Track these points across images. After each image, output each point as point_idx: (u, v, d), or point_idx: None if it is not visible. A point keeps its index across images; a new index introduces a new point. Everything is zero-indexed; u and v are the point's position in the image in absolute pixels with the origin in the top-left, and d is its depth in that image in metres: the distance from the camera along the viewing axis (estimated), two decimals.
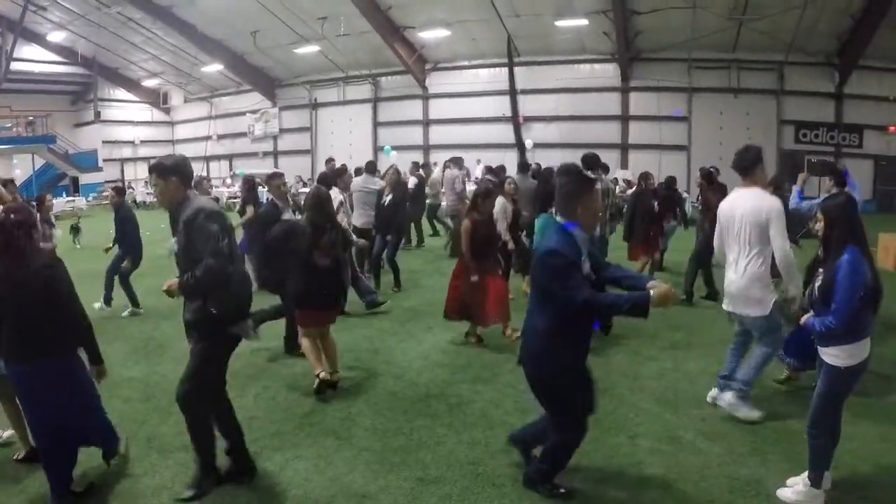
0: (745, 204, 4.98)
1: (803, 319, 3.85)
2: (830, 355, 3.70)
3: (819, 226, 3.79)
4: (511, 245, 8.56)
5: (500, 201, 8.58)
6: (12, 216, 3.66)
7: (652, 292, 3.31)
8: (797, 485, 3.88)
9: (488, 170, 13.37)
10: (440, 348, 7.05)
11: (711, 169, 9.65)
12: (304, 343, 5.89)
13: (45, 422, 3.82)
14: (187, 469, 4.28)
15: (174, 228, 4.24)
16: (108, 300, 8.97)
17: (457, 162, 14.76)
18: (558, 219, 3.72)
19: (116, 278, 8.86)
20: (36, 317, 3.64)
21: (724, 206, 5.18)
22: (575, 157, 13.86)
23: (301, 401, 5.62)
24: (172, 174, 3.98)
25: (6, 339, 3.69)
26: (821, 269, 3.80)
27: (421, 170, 15.29)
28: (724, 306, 5.22)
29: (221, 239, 3.80)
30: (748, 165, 5.04)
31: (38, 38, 27.71)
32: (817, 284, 3.77)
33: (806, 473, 3.85)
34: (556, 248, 3.52)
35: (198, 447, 4.07)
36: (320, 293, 5.74)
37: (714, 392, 5.35)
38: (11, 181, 7.81)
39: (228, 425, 4.23)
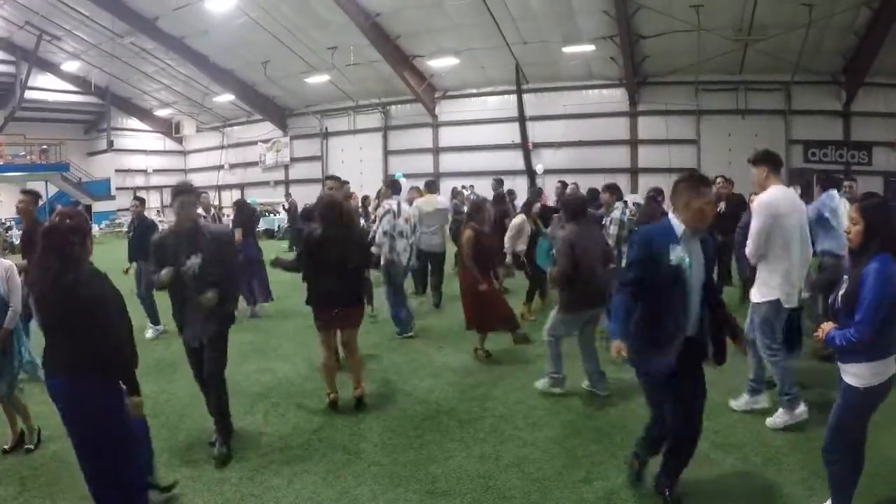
0: (797, 200, 5.07)
1: (822, 332, 3.46)
2: (850, 374, 3.37)
3: (856, 228, 3.40)
4: (508, 259, 8.73)
5: (520, 218, 8.72)
6: (68, 221, 3.49)
7: None
8: None
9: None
10: (450, 367, 7.01)
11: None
12: (321, 361, 5.88)
13: (79, 446, 3.57)
14: (194, 482, 4.36)
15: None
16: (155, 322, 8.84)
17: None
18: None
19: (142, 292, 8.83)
20: (79, 330, 3.41)
21: (780, 202, 4.99)
22: (584, 182, 14.02)
23: (310, 417, 5.60)
24: None
25: (49, 349, 3.52)
26: (845, 277, 3.47)
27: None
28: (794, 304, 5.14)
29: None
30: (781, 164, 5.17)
31: (52, 68, 28.21)
32: (840, 293, 3.42)
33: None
34: None
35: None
36: (328, 294, 5.73)
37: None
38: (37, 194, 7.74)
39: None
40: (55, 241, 3.43)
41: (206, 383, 4.90)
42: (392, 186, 9.03)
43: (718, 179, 9.62)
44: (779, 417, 5.02)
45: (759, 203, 5.06)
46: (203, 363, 4.82)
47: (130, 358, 3.65)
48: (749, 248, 5.12)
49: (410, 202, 9.98)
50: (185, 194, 4.71)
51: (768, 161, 5.12)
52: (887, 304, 3.19)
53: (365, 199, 15.50)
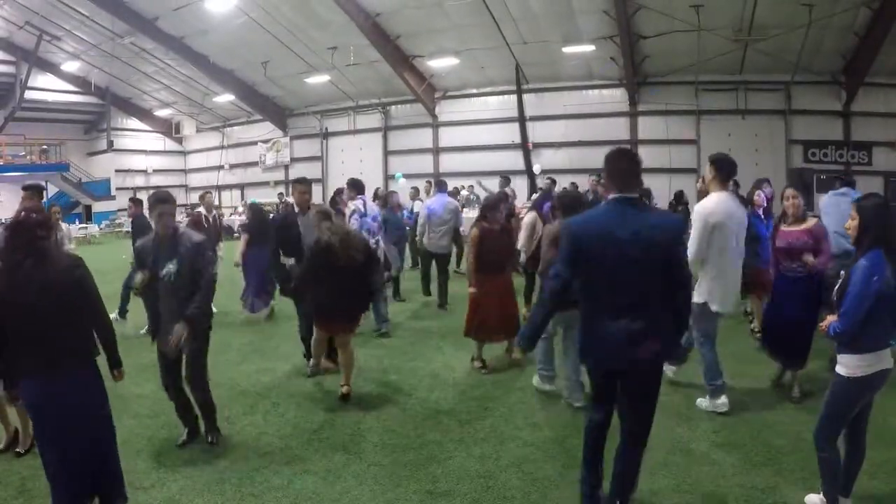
0: (735, 209, 5.28)
1: (825, 323, 3.61)
2: (840, 364, 3.54)
3: (853, 223, 3.56)
4: (522, 258, 8.31)
5: (531, 216, 8.56)
6: (34, 216, 3.51)
7: None
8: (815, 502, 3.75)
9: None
10: (450, 367, 7.01)
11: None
12: (315, 336, 6.08)
13: (60, 445, 3.50)
14: (194, 482, 4.36)
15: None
16: (123, 312, 9.06)
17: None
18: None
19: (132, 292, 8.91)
20: (62, 322, 3.41)
21: (715, 210, 5.16)
22: (585, 182, 14.05)
23: (310, 417, 5.60)
24: None
25: (23, 352, 3.40)
26: (842, 272, 3.64)
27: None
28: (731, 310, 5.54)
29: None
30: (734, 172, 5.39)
31: (52, 68, 28.09)
32: (836, 287, 3.62)
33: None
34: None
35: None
36: (331, 305, 5.76)
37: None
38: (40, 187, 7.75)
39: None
40: (23, 236, 3.46)
41: (191, 386, 4.94)
42: (355, 186, 8.96)
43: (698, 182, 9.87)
44: (704, 402, 5.48)
45: (696, 211, 5.36)
46: (171, 369, 4.88)
47: (113, 333, 3.87)
48: (689, 252, 5.13)
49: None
50: (162, 203, 4.71)
51: (722, 167, 5.30)
52: (869, 298, 3.36)
53: None
